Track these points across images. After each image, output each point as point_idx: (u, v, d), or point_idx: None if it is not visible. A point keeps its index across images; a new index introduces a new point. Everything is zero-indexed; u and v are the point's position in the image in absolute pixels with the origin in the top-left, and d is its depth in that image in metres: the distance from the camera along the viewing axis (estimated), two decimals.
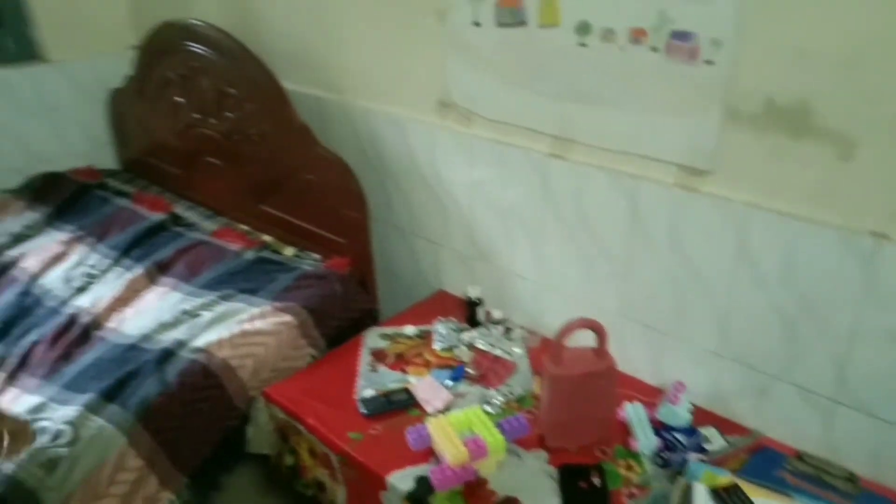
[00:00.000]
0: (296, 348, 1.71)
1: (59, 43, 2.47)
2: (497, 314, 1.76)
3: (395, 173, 1.92)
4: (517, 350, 1.67)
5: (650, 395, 1.51)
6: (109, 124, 2.58)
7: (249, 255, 1.98)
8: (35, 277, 1.92)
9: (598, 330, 1.32)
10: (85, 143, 2.60)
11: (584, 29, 1.40)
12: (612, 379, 1.37)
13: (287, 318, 1.70)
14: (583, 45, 1.41)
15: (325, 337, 1.76)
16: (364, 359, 1.66)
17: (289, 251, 2.01)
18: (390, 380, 1.59)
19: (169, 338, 1.63)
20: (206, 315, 1.71)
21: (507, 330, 1.74)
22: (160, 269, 1.92)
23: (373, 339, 1.74)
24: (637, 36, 1.33)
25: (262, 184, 2.04)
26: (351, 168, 1.80)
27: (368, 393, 1.53)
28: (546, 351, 1.36)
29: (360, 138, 1.96)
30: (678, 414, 1.43)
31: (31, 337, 1.68)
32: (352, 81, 1.93)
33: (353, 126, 1.96)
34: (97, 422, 1.40)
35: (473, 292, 1.77)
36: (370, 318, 1.91)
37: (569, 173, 1.54)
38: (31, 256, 2.01)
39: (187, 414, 1.47)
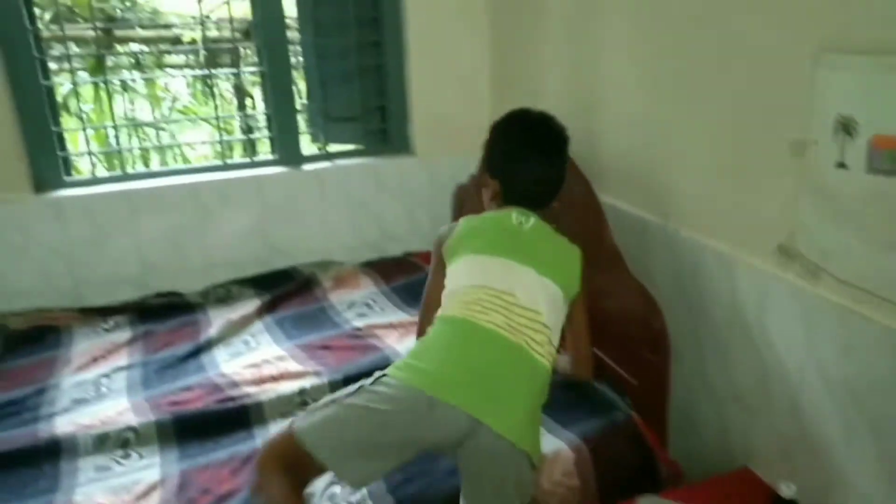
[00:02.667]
0: None
1: (426, 140, 2.77)
2: None
3: (712, 318, 1.65)
4: None
5: None
6: (452, 214, 2.79)
7: None
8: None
9: None
10: (429, 228, 2.84)
11: None
12: None
13: (575, 482, 1.54)
14: None
15: None
16: None
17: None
18: None
19: None
20: None
21: None
22: None
23: None
24: None
25: None
26: (657, 304, 1.60)
27: None
28: None
29: (681, 271, 1.74)
30: None
31: None
32: (680, 207, 1.75)
33: (675, 256, 1.76)
34: None
35: (788, 491, 1.39)
36: (651, 475, 1.64)
37: None
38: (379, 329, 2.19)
39: None
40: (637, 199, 1.91)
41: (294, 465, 1.28)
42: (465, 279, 1.46)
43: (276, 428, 1.69)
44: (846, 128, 1.24)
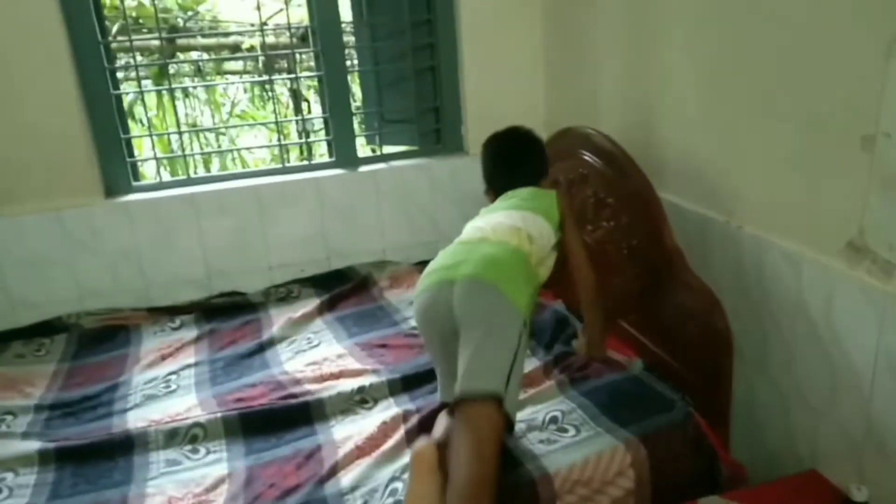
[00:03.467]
0: None
1: (480, 139, 2.75)
2: None
3: (777, 316, 1.62)
4: None
5: None
6: None
7: (635, 368, 1.81)
8: None
9: None
10: None
11: None
12: None
13: (629, 483, 1.52)
14: None
15: None
16: None
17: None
18: None
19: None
20: (568, 436, 1.59)
21: None
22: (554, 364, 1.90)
23: None
24: None
25: (623, 298, 1.93)
26: (720, 303, 1.58)
27: None
28: None
29: (744, 269, 1.71)
30: None
31: None
32: (743, 204, 1.71)
33: (738, 254, 1.72)
34: None
35: (859, 494, 1.35)
36: (712, 476, 1.62)
37: None
38: None
39: None
40: (698, 196, 1.87)
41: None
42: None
43: (337, 425, 1.73)
44: None
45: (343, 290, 2.52)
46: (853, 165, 1.36)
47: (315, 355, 2.08)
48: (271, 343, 2.19)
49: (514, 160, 1.94)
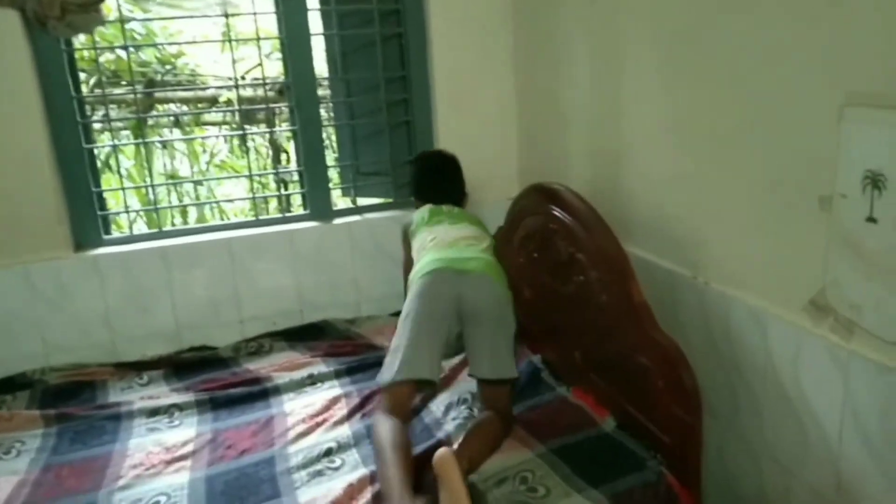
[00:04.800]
0: None
1: None
2: None
3: (745, 373, 1.62)
4: None
5: None
6: None
7: (607, 426, 1.81)
8: None
9: None
10: None
11: None
12: None
13: None
14: None
15: None
16: None
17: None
18: None
19: None
20: (538, 496, 1.55)
21: None
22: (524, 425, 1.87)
23: None
24: None
25: (594, 353, 1.92)
26: (687, 360, 1.57)
27: None
28: None
29: (712, 325, 1.71)
30: None
31: None
32: (709, 260, 1.73)
33: (705, 310, 1.73)
34: None
35: None
36: None
37: None
38: None
39: None
40: (666, 252, 1.89)
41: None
42: (428, 240, 2.17)
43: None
44: (875, 182, 1.23)
45: (342, 350, 2.45)
46: (813, 224, 1.39)
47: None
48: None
49: (445, 175, 2.43)
